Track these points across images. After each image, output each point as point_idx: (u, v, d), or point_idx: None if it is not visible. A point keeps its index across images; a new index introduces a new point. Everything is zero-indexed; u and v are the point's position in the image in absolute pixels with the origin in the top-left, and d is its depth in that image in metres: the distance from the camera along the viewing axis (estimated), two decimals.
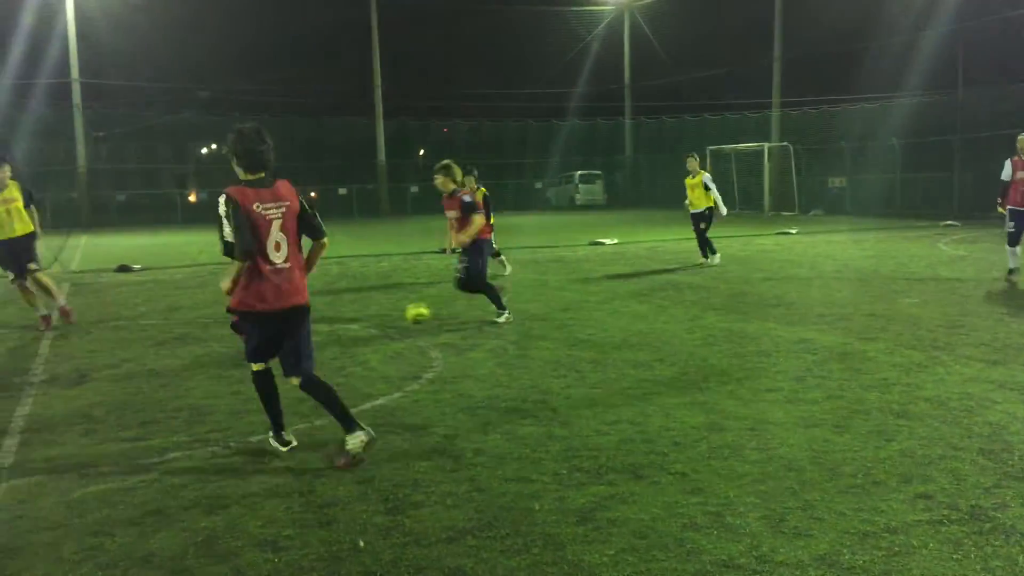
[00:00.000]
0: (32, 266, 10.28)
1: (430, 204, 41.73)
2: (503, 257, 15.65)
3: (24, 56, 35.12)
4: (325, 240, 5.41)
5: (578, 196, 45.81)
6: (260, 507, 4.55)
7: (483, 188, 15.23)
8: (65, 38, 35.52)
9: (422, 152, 46.16)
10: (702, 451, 5.29)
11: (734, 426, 5.78)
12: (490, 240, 10.49)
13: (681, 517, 4.27)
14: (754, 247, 19.89)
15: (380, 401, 6.68)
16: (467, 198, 9.98)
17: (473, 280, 10.13)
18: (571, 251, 19.96)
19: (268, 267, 5.03)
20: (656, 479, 4.82)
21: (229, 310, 5.23)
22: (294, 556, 3.95)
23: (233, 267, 5.02)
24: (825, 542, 3.95)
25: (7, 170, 10.15)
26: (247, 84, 43.28)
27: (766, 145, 35.33)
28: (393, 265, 17.31)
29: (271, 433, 5.50)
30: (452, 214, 10.02)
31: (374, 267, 16.94)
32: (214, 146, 47.68)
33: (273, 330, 5.22)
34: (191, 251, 21.85)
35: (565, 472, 4.96)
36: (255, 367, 5.40)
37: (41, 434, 6.01)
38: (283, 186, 5.16)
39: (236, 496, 4.71)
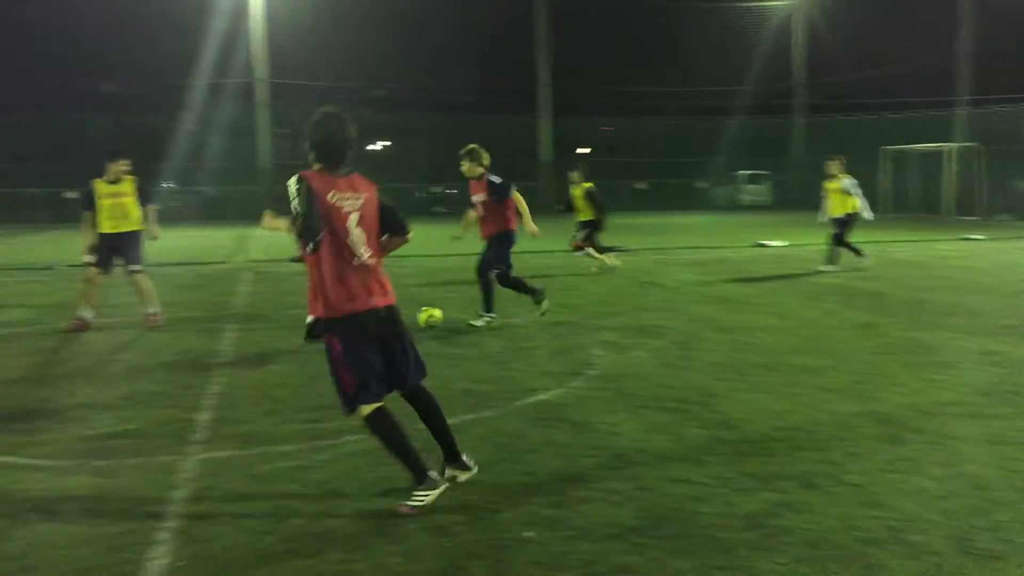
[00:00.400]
0: (134, 267, 10.20)
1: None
2: (611, 253, 15.56)
3: (216, 56, 37.56)
4: (410, 236, 4.85)
5: (743, 196, 44.70)
6: None
7: (589, 183, 15.29)
8: (252, 39, 37.70)
9: (589, 150, 46.18)
10: (879, 463, 5.06)
11: (913, 439, 5.51)
12: (515, 232, 9.92)
13: (858, 530, 4.11)
14: (933, 252, 18.83)
15: (543, 396, 6.74)
16: (496, 178, 9.64)
17: (480, 268, 9.78)
18: (736, 252, 19.50)
19: (354, 261, 4.45)
20: (830, 489, 4.65)
21: (314, 329, 4.65)
22: (463, 542, 4.05)
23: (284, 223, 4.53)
24: (1019, 567, 3.70)
25: (122, 164, 10.14)
26: (419, 82, 44.52)
27: (949, 145, 33.36)
28: (557, 262, 17.39)
29: (418, 487, 4.46)
30: (478, 198, 9.80)
31: (539, 263, 17.04)
32: (387, 143, 49.39)
33: (374, 341, 4.50)
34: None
35: (732, 476, 4.86)
36: (365, 410, 4.49)
37: (229, 411, 6.41)
38: (359, 178, 4.64)
39: (407, 481, 4.86)
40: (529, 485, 4.78)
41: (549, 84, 41.98)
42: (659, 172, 44.45)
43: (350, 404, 4.51)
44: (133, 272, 10.24)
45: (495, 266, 9.83)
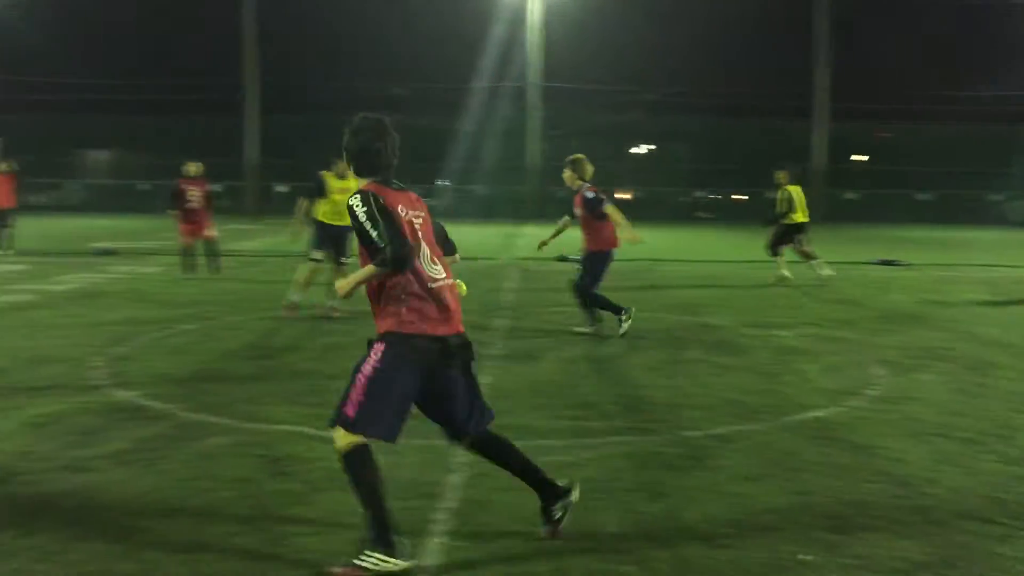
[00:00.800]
0: (345, 260, 10.77)
1: (869, 210, 39.45)
2: (817, 261, 14.67)
3: (493, 61, 39.37)
4: (457, 257, 4.36)
5: None
6: (698, 501, 4.59)
7: (792, 188, 14.37)
8: (528, 44, 39.08)
9: (866, 158, 43.68)
10: None
11: None
12: (613, 251, 9.56)
13: None
14: None
15: (817, 413, 6.42)
16: (590, 193, 9.33)
17: (580, 289, 9.52)
18: None
19: (429, 279, 3.88)
20: None
21: (378, 340, 3.88)
22: (735, 555, 3.93)
23: (365, 270, 3.84)
24: None
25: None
26: (688, 85, 44.06)
27: None
28: (838, 274, 16.51)
29: (374, 548, 3.71)
30: (578, 211, 9.49)
31: (808, 275, 16.30)
32: (652, 147, 49.41)
33: (422, 377, 3.87)
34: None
35: None
36: (353, 439, 3.75)
37: (498, 403, 6.53)
38: (413, 194, 4.09)
39: (673, 487, 4.81)
40: (805, 505, 4.55)
41: (827, 88, 39.99)
42: (944, 182, 41.15)
43: (341, 421, 3.78)
44: (342, 264, 10.84)
45: (593, 285, 9.52)
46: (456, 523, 4.27)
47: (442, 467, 5.07)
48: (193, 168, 14.75)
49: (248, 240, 23.81)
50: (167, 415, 6.11)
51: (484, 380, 7.20)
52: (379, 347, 3.83)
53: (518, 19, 39.15)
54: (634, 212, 40.98)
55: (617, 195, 44.81)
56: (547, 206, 39.24)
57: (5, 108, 39.95)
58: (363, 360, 3.83)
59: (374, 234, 3.72)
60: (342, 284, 3.90)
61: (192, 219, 14.54)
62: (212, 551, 3.94)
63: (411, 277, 3.82)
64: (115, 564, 3.77)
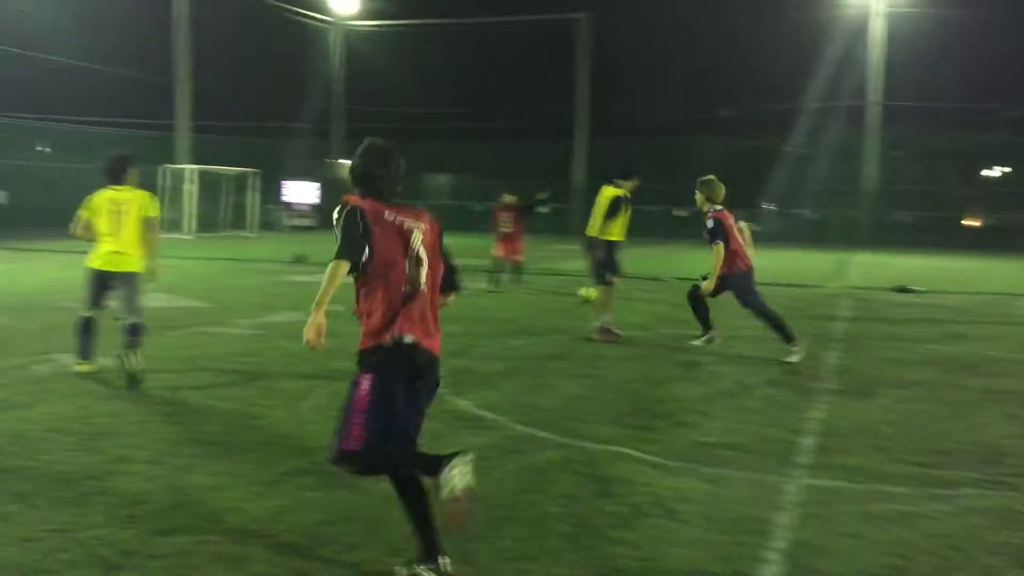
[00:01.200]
0: (616, 277, 10.67)
1: None
2: None
3: (828, 80, 37.71)
4: (451, 299, 4.18)
5: None
6: None
7: None
8: (868, 62, 37.02)
9: None
10: None
11: None
12: (738, 273, 9.20)
13: None
14: None
15: None
16: (710, 223, 9.16)
17: (759, 311, 9.29)
18: None
19: (404, 287, 3.82)
20: None
21: (361, 355, 3.83)
22: None
23: (333, 272, 3.74)
24: None
25: (635, 182, 10.58)
26: None
27: None
28: None
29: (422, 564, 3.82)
30: (706, 235, 9.31)
31: None
32: (1007, 169, 44.65)
33: (410, 387, 3.80)
34: (968, 278, 20.84)
35: None
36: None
37: (833, 440, 6.21)
38: (421, 211, 4.06)
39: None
40: None
41: None
42: None
43: (344, 459, 3.78)
44: (614, 280, 10.72)
45: (759, 302, 9.34)
46: (788, 567, 4.02)
47: (770, 504, 4.83)
48: (507, 197, 16.58)
49: (574, 260, 24.53)
50: (500, 426, 6.38)
51: (816, 416, 6.89)
52: (363, 374, 3.79)
53: (855, 35, 37.21)
54: (983, 240, 37.40)
55: (965, 222, 40.88)
56: (883, 232, 36.77)
57: (360, 135, 44.63)
58: (351, 388, 3.80)
59: (335, 238, 3.82)
60: (310, 330, 3.77)
61: (505, 240, 16.23)
62: (540, 563, 4.01)
63: (387, 283, 3.80)
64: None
